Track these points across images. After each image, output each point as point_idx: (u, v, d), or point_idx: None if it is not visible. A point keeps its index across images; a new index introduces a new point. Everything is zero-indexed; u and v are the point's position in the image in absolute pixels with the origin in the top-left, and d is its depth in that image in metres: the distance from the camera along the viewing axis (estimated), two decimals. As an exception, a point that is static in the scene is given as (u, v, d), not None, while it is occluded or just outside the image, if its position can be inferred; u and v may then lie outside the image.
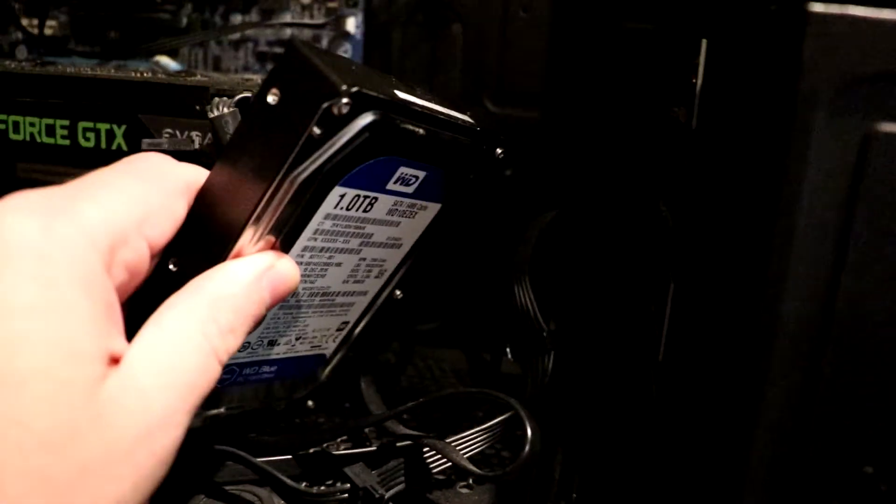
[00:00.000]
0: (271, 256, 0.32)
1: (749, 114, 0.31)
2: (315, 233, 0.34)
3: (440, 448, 0.39)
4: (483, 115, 0.42)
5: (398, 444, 0.40)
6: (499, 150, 0.41)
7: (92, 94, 0.44)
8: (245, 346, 0.37)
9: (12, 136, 0.45)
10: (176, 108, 0.42)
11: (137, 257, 0.28)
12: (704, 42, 0.36)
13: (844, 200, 0.29)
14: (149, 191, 0.29)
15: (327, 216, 0.34)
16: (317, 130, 0.30)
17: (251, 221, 0.31)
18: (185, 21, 0.57)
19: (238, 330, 0.29)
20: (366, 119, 0.31)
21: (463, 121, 0.38)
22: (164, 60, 0.56)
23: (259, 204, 0.30)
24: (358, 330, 0.44)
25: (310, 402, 0.45)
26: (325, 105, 0.29)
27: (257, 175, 0.30)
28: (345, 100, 0.29)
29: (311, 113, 0.29)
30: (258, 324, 0.31)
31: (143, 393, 0.25)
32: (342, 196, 0.34)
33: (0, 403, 0.22)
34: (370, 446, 0.41)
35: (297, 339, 0.40)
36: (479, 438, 0.41)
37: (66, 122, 0.44)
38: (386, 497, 0.37)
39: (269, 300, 0.31)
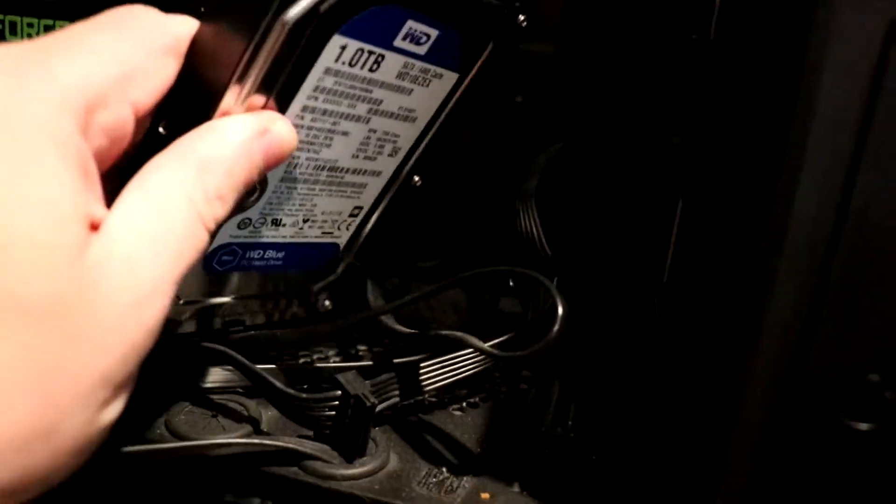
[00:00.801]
0: (265, 116, 0.30)
1: (771, 10, 0.30)
2: (315, 90, 0.32)
3: (454, 336, 0.38)
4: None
5: (394, 361, 0.39)
6: (521, 17, 0.38)
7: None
8: (246, 222, 0.36)
9: (9, 37, 0.44)
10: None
11: (117, 121, 0.27)
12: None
13: (866, 92, 0.27)
14: (131, 48, 0.27)
15: (328, 71, 0.32)
16: None
17: (239, 71, 0.29)
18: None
19: (227, 196, 0.27)
20: None
21: None
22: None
23: (246, 51, 0.28)
24: (374, 218, 0.42)
25: (327, 302, 0.43)
26: None
27: (245, 17, 0.28)
28: None
29: None
30: (250, 189, 0.30)
31: (128, 260, 0.24)
32: (343, 48, 0.31)
33: None
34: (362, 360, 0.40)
35: (304, 220, 0.38)
36: (476, 359, 0.40)
37: (66, 23, 0.43)
38: (378, 406, 0.36)
39: (262, 164, 0.29)
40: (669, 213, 0.38)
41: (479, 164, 0.53)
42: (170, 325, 0.37)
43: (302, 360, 0.44)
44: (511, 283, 0.49)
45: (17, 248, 0.21)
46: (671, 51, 0.44)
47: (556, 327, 0.36)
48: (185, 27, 0.29)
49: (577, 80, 0.50)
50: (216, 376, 0.39)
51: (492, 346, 0.38)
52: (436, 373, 0.39)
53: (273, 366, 0.39)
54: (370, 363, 0.40)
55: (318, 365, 0.41)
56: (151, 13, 0.29)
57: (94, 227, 0.24)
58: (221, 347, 0.37)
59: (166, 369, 0.38)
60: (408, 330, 0.44)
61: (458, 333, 0.39)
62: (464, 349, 0.39)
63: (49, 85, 0.24)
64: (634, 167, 0.45)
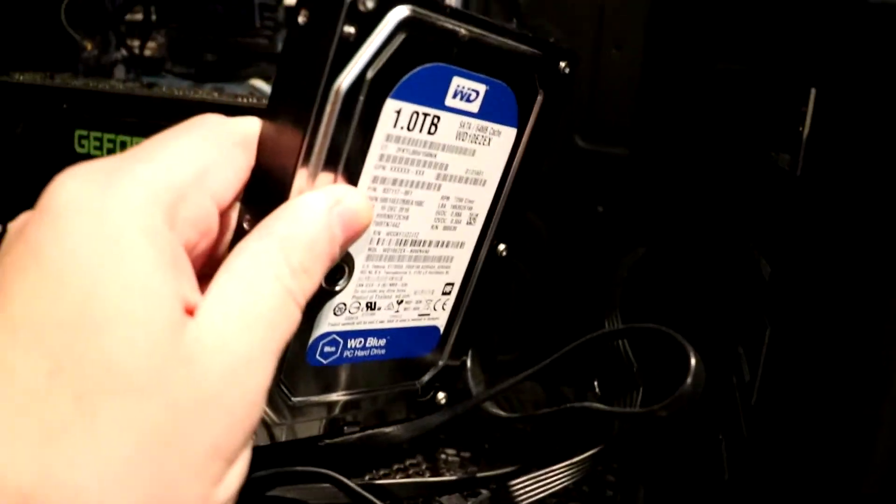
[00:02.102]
0: (337, 189, 0.31)
1: (864, 168, 0.31)
2: (381, 159, 0.33)
3: (576, 406, 0.39)
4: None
5: (482, 476, 0.40)
6: (563, 64, 0.39)
7: (195, 115, 0.45)
8: (341, 307, 0.37)
9: (93, 153, 0.47)
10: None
11: (201, 213, 0.28)
12: (813, 91, 0.36)
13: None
14: (204, 147, 0.29)
15: (389, 137, 0.33)
16: (348, 30, 0.29)
17: (303, 152, 0.30)
18: (280, 45, 0.59)
19: (312, 269, 0.29)
20: (398, 14, 0.30)
21: (510, 26, 0.36)
22: (260, 84, 0.57)
23: (307, 129, 0.30)
24: (468, 296, 0.42)
25: (441, 396, 0.43)
26: (348, 0, 0.29)
27: (300, 99, 0.30)
28: None
29: (337, 14, 0.29)
30: (335, 266, 0.31)
31: (221, 336, 0.25)
32: (398, 112, 0.33)
33: (83, 351, 0.22)
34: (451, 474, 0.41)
35: (399, 302, 0.39)
36: (566, 473, 0.41)
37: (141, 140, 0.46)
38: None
39: (342, 237, 0.30)
40: (757, 337, 0.39)
41: (559, 263, 0.55)
42: (286, 428, 0.39)
43: (395, 468, 0.45)
44: (596, 387, 0.50)
45: (119, 326, 0.23)
46: (751, 165, 0.45)
47: (689, 379, 0.35)
48: (251, 125, 0.31)
49: (656, 187, 0.52)
50: (324, 495, 0.40)
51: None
52: (530, 485, 0.40)
53: (373, 482, 0.41)
54: (467, 477, 0.41)
55: (419, 480, 0.42)
56: (218, 117, 0.30)
57: (190, 311, 0.25)
58: (321, 471, 0.39)
59: (272, 488, 0.39)
60: (513, 414, 0.45)
61: (583, 403, 0.40)
62: (585, 419, 0.40)
63: (136, 186, 0.25)
64: (716, 280, 0.46)
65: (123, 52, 0.60)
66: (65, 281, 0.23)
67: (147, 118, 0.46)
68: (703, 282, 0.47)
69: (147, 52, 0.60)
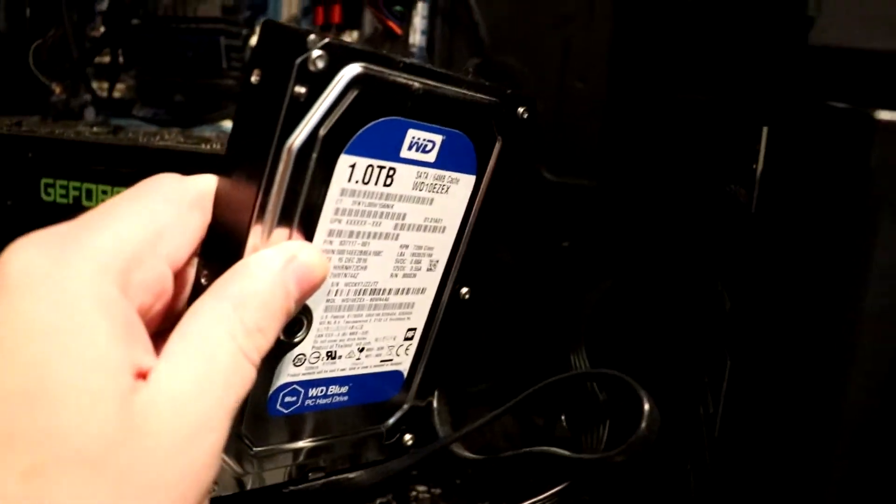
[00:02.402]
0: (292, 245, 0.31)
1: (812, 208, 0.32)
2: (336, 213, 0.33)
3: (538, 451, 0.39)
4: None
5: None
6: (520, 109, 0.39)
7: (162, 163, 0.46)
8: (301, 358, 0.37)
9: (85, 202, 0.47)
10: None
11: (155, 277, 0.28)
12: (765, 130, 0.37)
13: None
14: (157, 209, 0.29)
15: (343, 192, 0.33)
16: (299, 90, 0.29)
17: (257, 209, 0.30)
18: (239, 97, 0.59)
19: (266, 327, 0.29)
20: (350, 72, 0.31)
21: (464, 76, 0.37)
22: (229, 126, 0.57)
23: (260, 187, 0.30)
24: (431, 340, 0.42)
25: (407, 438, 0.44)
26: (298, 61, 0.29)
27: (253, 158, 0.30)
28: (317, 52, 0.29)
29: (288, 74, 0.29)
30: (292, 320, 0.31)
31: (174, 399, 0.25)
32: (353, 167, 0.33)
33: (35, 424, 0.23)
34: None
35: (360, 350, 0.39)
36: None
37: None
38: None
39: (297, 293, 0.30)
40: (718, 368, 0.40)
41: (527, 295, 0.55)
42: (247, 478, 0.39)
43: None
44: (563, 420, 0.50)
45: (68, 398, 0.23)
46: (713, 197, 0.45)
47: (643, 423, 0.37)
48: (206, 183, 0.31)
49: (622, 220, 0.52)
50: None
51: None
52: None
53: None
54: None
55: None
56: (173, 177, 0.31)
57: (143, 375, 0.25)
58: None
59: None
60: (478, 456, 0.45)
61: (542, 448, 0.40)
62: (546, 464, 0.41)
63: (88, 254, 0.26)
64: (680, 313, 0.46)
65: (90, 95, 0.60)
66: (17, 353, 0.23)
67: (114, 165, 0.47)
68: (669, 315, 0.47)
69: (116, 94, 0.61)
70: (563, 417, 0.49)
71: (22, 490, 0.22)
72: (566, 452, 0.39)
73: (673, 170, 0.51)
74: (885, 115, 0.28)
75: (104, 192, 0.47)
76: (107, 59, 0.60)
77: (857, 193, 0.28)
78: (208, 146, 0.46)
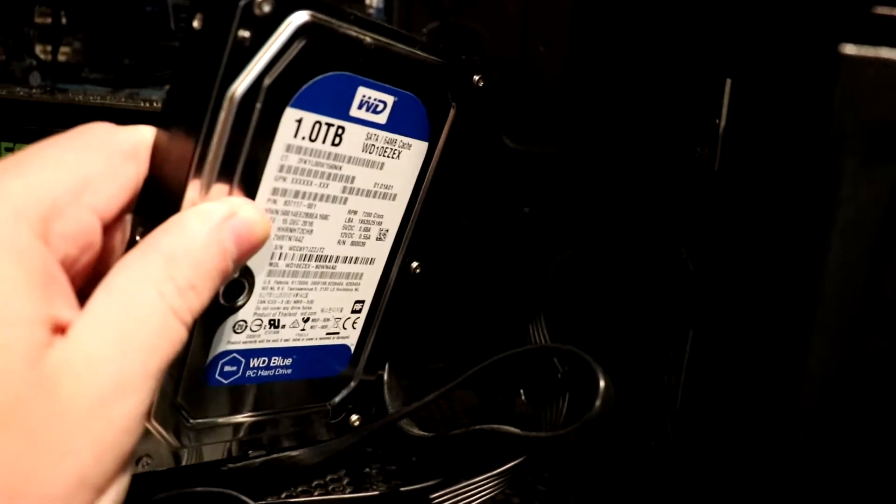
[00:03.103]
0: (231, 201, 0.30)
1: (776, 156, 0.30)
2: (281, 171, 0.32)
3: (487, 429, 0.38)
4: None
5: (403, 490, 0.39)
6: (476, 77, 0.38)
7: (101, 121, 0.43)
8: (242, 325, 0.35)
9: None
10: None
11: (80, 227, 0.27)
12: (729, 81, 0.35)
13: (875, 247, 0.27)
14: (85, 157, 0.27)
15: (289, 148, 0.32)
16: (243, 34, 0.28)
17: (195, 162, 0.29)
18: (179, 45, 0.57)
19: (200, 286, 0.27)
20: (298, 20, 0.30)
21: (418, 37, 0.35)
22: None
23: (200, 137, 0.29)
24: (380, 314, 0.41)
25: (354, 418, 0.43)
26: (242, 3, 0.28)
27: (193, 106, 0.29)
28: None
29: (231, 16, 0.28)
30: (231, 282, 0.30)
31: (92, 357, 0.24)
32: (299, 122, 0.32)
33: None
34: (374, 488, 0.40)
35: (304, 320, 0.38)
36: (490, 484, 0.39)
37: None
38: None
39: (236, 251, 0.29)
40: (680, 338, 0.38)
41: (487, 267, 0.53)
42: (184, 453, 0.37)
43: (315, 486, 0.43)
44: (522, 395, 0.48)
45: None
46: (675, 162, 0.44)
47: (598, 401, 0.35)
48: (143, 134, 0.30)
49: (583, 187, 0.50)
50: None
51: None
52: (451, 498, 0.39)
53: (287, 500, 0.39)
54: (386, 492, 0.40)
55: (334, 497, 0.40)
56: (107, 126, 0.29)
57: (62, 329, 0.24)
58: (224, 490, 0.37)
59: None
60: (433, 434, 0.43)
61: (490, 426, 0.39)
62: (495, 442, 0.39)
63: (2, 201, 0.24)
64: (642, 280, 0.45)
65: (34, 60, 0.57)
66: None
67: (48, 125, 0.44)
68: (632, 284, 0.46)
69: (62, 58, 0.58)
70: (521, 391, 0.48)
71: None
72: (517, 431, 0.38)
73: (637, 136, 0.49)
74: (850, 48, 0.26)
75: (8, 150, 0.45)
76: (49, 20, 0.57)
77: (820, 133, 0.27)
78: (148, 104, 0.44)
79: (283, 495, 0.41)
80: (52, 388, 0.23)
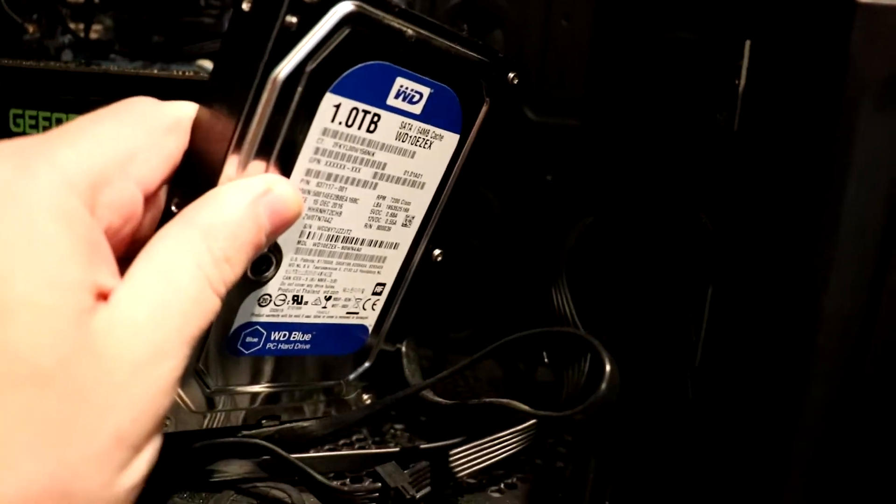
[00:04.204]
0: (267, 178, 0.31)
1: (793, 110, 0.31)
2: (316, 153, 0.33)
3: (499, 403, 0.39)
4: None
5: (425, 447, 0.40)
6: (511, 75, 0.39)
7: (133, 91, 0.44)
8: (266, 298, 0.36)
9: (29, 131, 0.46)
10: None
11: (124, 198, 0.28)
12: (748, 43, 0.36)
13: (890, 195, 0.28)
14: (130, 131, 0.29)
15: (325, 131, 0.33)
16: (290, 19, 0.29)
17: (235, 139, 0.30)
18: (227, 25, 0.58)
19: (234, 258, 0.28)
20: (343, 9, 0.31)
21: (459, 31, 0.36)
22: (207, 64, 0.56)
23: (241, 116, 0.30)
24: (399, 298, 0.42)
25: (365, 397, 0.44)
26: None
27: (237, 85, 0.30)
28: None
29: (280, 2, 0.29)
30: (261, 256, 0.31)
31: (133, 324, 0.25)
32: (337, 107, 0.33)
33: None
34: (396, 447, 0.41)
35: (327, 298, 0.39)
36: (507, 443, 0.40)
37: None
38: (417, 497, 0.37)
39: (269, 226, 0.30)
40: (700, 298, 0.39)
41: (510, 237, 0.54)
42: (203, 418, 0.38)
43: (342, 442, 0.44)
44: (545, 357, 0.49)
45: (22, 313, 0.22)
46: (696, 129, 0.44)
47: (603, 385, 0.36)
48: (184, 110, 0.31)
49: (605, 156, 0.51)
50: (260, 465, 0.39)
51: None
52: (471, 456, 0.40)
53: (313, 454, 0.40)
54: (407, 448, 0.40)
55: (358, 452, 0.41)
56: (150, 100, 0.30)
57: (105, 296, 0.25)
58: (261, 441, 0.38)
59: (205, 460, 0.38)
60: (449, 402, 0.44)
61: (503, 400, 0.40)
62: (509, 416, 0.40)
63: (52, 167, 0.25)
64: (663, 245, 0.45)
65: (69, 36, 0.59)
66: None
67: (83, 95, 0.45)
68: (652, 248, 0.46)
69: (94, 36, 0.59)
70: (544, 354, 0.48)
71: None
72: (526, 408, 0.39)
73: (660, 106, 0.50)
74: (866, -3, 0.27)
75: (45, 119, 0.46)
76: (82, -1, 0.58)
77: (837, 82, 0.27)
78: (180, 73, 0.45)
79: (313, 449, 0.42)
80: (96, 350, 0.24)
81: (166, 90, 0.44)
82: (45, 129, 0.46)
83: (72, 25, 0.59)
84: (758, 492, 0.33)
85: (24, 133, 0.46)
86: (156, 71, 0.47)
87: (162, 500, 0.37)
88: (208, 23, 0.58)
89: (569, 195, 0.51)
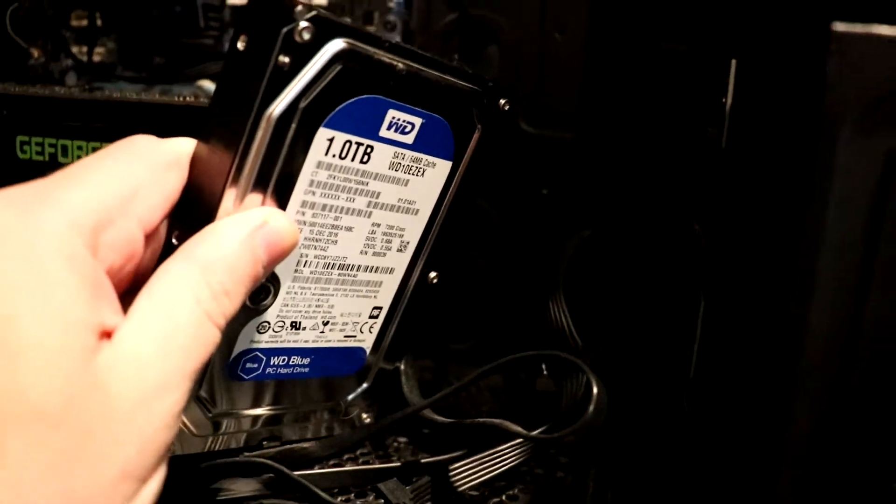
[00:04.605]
0: (263, 211, 0.31)
1: (775, 132, 0.32)
2: (311, 185, 0.34)
3: (491, 423, 0.40)
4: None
5: (425, 461, 0.41)
6: (502, 101, 0.40)
7: (137, 117, 0.46)
8: (265, 326, 0.37)
9: (61, 159, 0.47)
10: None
11: (126, 238, 0.29)
12: (734, 62, 0.37)
13: (870, 217, 0.29)
14: (131, 170, 0.29)
15: (320, 164, 0.34)
16: (283, 59, 0.30)
17: (233, 173, 0.31)
18: (227, 46, 0.59)
19: (233, 291, 0.29)
20: (334, 47, 0.31)
21: (449, 62, 0.37)
22: (207, 85, 0.57)
23: (237, 152, 0.30)
24: (396, 320, 0.43)
25: (365, 416, 0.45)
26: (284, 30, 0.29)
27: (233, 122, 0.31)
28: (304, 23, 0.30)
29: (273, 42, 0.29)
30: (259, 287, 0.32)
31: (136, 360, 0.26)
32: (331, 140, 0.33)
33: None
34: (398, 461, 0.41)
35: (324, 323, 0.40)
36: (511, 454, 0.41)
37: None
38: (420, 511, 0.38)
39: (266, 258, 0.31)
40: (693, 309, 0.39)
41: (509, 249, 0.55)
42: (206, 441, 0.39)
43: (346, 457, 0.45)
44: (544, 369, 0.50)
45: (30, 354, 0.23)
46: (689, 142, 0.45)
47: (591, 407, 0.37)
48: (183, 146, 0.31)
49: (601, 169, 0.52)
50: (263, 483, 0.40)
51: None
52: (472, 469, 0.40)
53: (316, 470, 0.41)
54: (409, 462, 0.41)
55: (360, 468, 0.42)
56: (149, 138, 0.31)
57: (108, 334, 0.26)
58: (264, 460, 0.39)
59: (209, 479, 0.39)
60: (446, 420, 0.45)
61: (496, 421, 0.41)
62: (502, 435, 0.41)
63: (57, 211, 0.26)
64: (657, 257, 0.46)
65: (71, 60, 0.60)
66: None
67: (89, 121, 0.46)
68: (648, 259, 0.47)
69: (97, 58, 0.60)
70: (543, 367, 0.49)
71: None
72: (519, 429, 0.40)
73: (654, 118, 0.50)
74: (840, 26, 0.27)
75: (79, 149, 0.46)
76: (85, 22, 0.59)
77: (815, 107, 0.28)
78: (181, 98, 0.46)
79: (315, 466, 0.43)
80: (101, 387, 0.24)
81: (168, 115, 0.45)
82: (52, 155, 0.47)
83: (75, 49, 0.60)
84: (750, 498, 0.33)
85: (30, 159, 0.47)
86: (157, 96, 0.48)
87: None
88: (208, 44, 0.59)
89: (565, 208, 0.52)
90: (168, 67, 0.59)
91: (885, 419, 0.31)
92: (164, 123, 0.44)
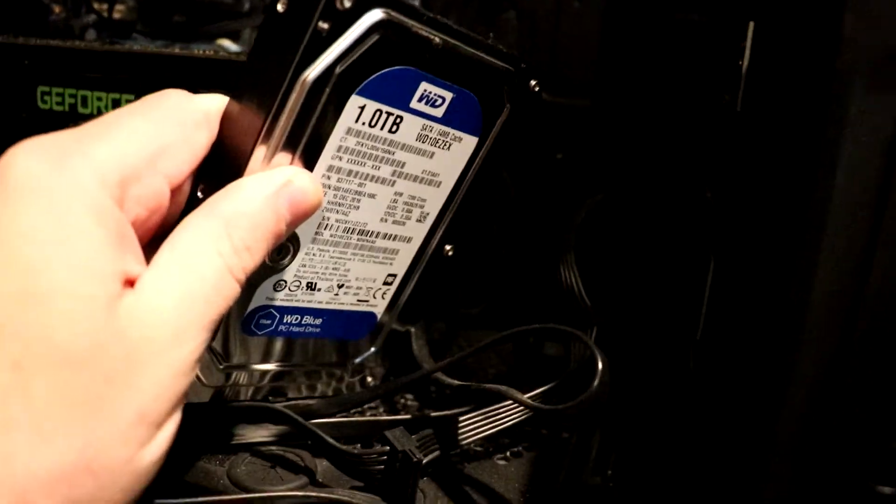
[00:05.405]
0: (289, 171, 0.32)
1: (791, 90, 0.32)
2: (339, 150, 0.34)
3: (496, 389, 0.40)
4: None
5: (434, 415, 0.41)
6: (533, 82, 0.40)
7: (157, 70, 0.46)
8: (281, 284, 0.38)
9: (80, 110, 0.48)
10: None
11: (152, 192, 0.29)
12: (751, 25, 0.37)
13: (881, 174, 0.29)
14: (162, 126, 0.30)
15: (349, 131, 0.34)
16: (322, 25, 0.30)
17: (264, 133, 0.31)
18: (247, 5, 0.59)
19: (254, 247, 0.30)
20: (373, 17, 0.31)
21: (485, 40, 0.37)
22: (226, 43, 0.57)
23: (270, 112, 0.31)
24: (408, 289, 0.43)
25: (370, 379, 0.45)
26: None
27: (268, 83, 0.31)
28: None
29: (314, 7, 0.30)
30: (280, 245, 0.32)
31: (157, 309, 0.26)
32: (362, 108, 0.34)
33: (25, 322, 0.24)
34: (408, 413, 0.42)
35: (339, 286, 0.40)
36: (518, 410, 0.41)
37: (132, 97, 0.46)
38: (424, 461, 0.38)
39: (289, 217, 0.31)
40: (702, 272, 0.40)
41: (522, 214, 0.55)
42: (215, 392, 0.40)
43: (354, 412, 0.46)
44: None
45: (59, 301, 0.24)
46: (703, 110, 0.45)
47: (595, 381, 0.37)
48: (214, 103, 0.32)
49: (615, 136, 0.52)
50: (274, 431, 0.41)
51: (533, 398, 0.40)
52: (476, 425, 0.41)
53: (325, 420, 0.42)
54: (416, 416, 0.42)
55: (368, 419, 0.43)
56: (180, 93, 0.31)
57: (131, 283, 0.26)
58: (276, 406, 0.40)
59: (223, 425, 0.40)
60: (455, 382, 0.45)
61: (501, 387, 0.41)
62: (505, 401, 0.41)
63: (86, 164, 0.26)
64: (669, 222, 0.46)
65: (94, 15, 0.60)
66: (14, 256, 0.25)
67: (109, 72, 0.47)
68: (659, 223, 0.47)
69: (117, 15, 0.61)
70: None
71: (10, 380, 0.24)
72: (522, 397, 0.40)
73: (669, 87, 0.51)
74: (858, -20, 0.28)
75: (99, 100, 0.47)
76: (106, -22, 0.60)
77: (830, 62, 0.28)
78: (201, 52, 0.46)
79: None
80: (123, 334, 0.25)
81: (187, 68, 0.45)
82: (72, 106, 0.48)
83: (96, 6, 0.60)
84: (752, 458, 0.34)
85: (51, 110, 0.48)
86: (177, 49, 0.49)
87: (179, 462, 0.39)
88: (227, 2, 0.59)
89: (579, 173, 0.52)
90: (187, 25, 0.59)
91: (889, 379, 0.31)
92: (183, 75, 0.45)
